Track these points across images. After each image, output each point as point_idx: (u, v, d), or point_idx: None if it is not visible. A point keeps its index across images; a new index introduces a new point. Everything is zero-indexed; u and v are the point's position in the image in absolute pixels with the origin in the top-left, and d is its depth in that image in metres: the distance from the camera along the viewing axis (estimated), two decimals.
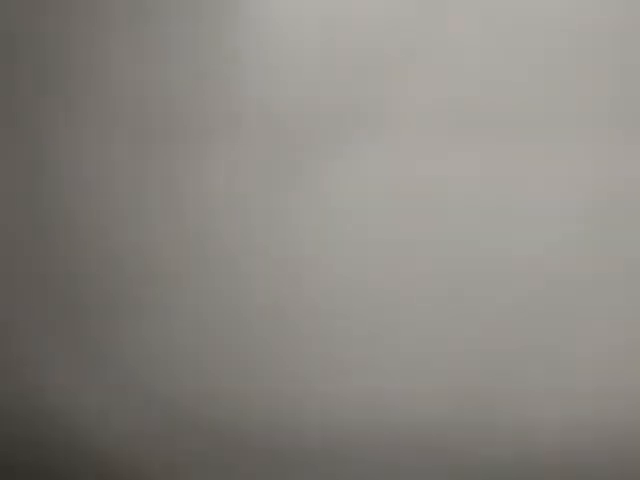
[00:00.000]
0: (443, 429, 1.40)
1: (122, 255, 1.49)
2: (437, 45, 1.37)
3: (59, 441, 1.54)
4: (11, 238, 1.53)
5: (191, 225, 1.46)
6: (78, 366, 1.53)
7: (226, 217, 1.44)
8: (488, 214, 1.38)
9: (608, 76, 1.33)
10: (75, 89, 1.50)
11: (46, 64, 1.52)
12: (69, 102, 1.51)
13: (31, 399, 1.55)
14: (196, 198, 1.44)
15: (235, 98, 1.42)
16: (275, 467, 1.47)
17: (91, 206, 1.50)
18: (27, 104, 1.52)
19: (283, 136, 1.42)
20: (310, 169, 1.41)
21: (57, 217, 1.53)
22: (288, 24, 1.40)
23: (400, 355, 1.41)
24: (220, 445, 1.48)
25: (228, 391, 1.47)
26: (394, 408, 1.41)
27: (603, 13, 1.33)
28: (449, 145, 1.38)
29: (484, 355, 1.38)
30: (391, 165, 1.39)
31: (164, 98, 1.45)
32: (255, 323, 1.46)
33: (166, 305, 1.49)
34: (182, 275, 1.47)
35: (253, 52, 1.42)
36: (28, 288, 1.55)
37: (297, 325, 1.44)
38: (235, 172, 1.43)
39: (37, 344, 1.54)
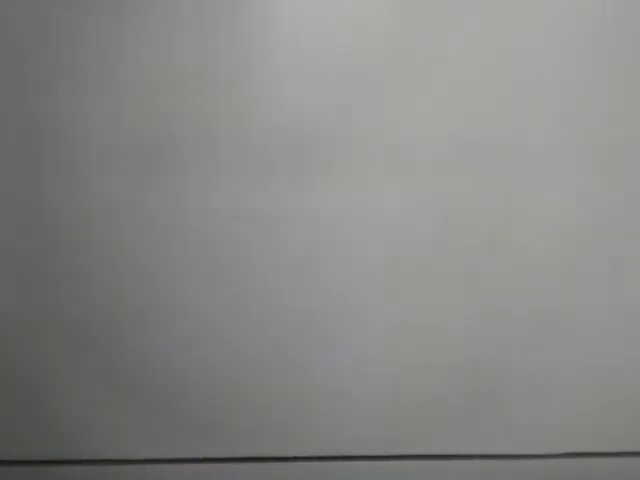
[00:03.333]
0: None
1: (123, 268, 1.58)
2: (420, 94, 1.47)
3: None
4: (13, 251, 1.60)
5: (191, 240, 1.56)
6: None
7: (200, 234, 1.55)
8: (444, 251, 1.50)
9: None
10: (76, 100, 1.55)
11: (47, 83, 1.56)
12: (69, 116, 1.55)
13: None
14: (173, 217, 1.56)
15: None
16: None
17: (94, 220, 1.57)
18: (28, 131, 1.58)
19: (258, 163, 1.52)
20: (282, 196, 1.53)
21: (58, 231, 1.60)
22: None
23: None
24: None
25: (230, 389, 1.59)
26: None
27: (588, 63, 1.46)
28: (414, 183, 1.49)
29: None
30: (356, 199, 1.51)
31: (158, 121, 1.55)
32: (253, 328, 1.56)
33: (170, 314, 1.58)
34: (181, 286, 1.57)
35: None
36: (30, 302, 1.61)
37: (295, 328, 1.54)
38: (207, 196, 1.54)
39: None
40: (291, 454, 1.58)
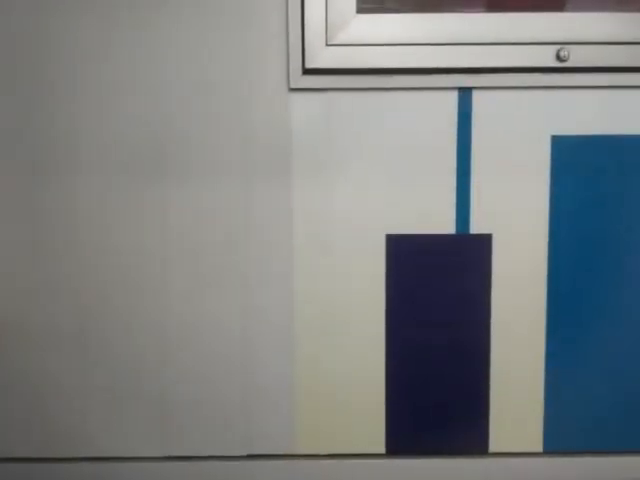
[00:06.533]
0: None
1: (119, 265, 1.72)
2: None
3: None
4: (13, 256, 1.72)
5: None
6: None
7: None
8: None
9: None
10: (76, 120, 1.67)
11: (51, 92, 1.67)
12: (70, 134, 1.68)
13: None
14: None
15: None
16: None
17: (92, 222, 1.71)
18: (30, 140, 1.68)
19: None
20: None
21: (57, 234, 1.72)
22: None
23: None
24: None
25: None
26: None
27: None
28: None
29: None
30: None
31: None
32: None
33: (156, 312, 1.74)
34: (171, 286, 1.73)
35: None
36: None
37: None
38: None
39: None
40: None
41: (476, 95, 1.66)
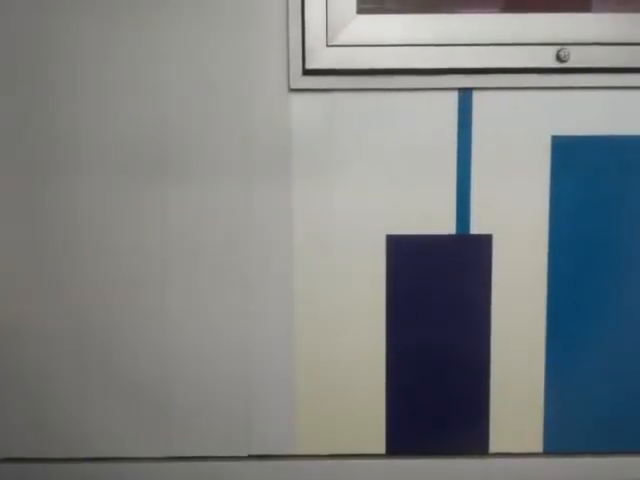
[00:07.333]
0: None
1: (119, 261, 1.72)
2: None
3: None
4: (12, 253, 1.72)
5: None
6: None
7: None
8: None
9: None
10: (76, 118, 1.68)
11: (51, 92, 1.67)
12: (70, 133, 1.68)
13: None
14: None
15: None
16: None
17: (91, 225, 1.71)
18: (30, 136, 1.68)
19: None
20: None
21: (57, 234, 1.72)
22: None
23: None
24: None
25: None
26: None
27: None
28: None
29: None
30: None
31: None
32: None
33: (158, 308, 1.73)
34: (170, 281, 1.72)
35: None
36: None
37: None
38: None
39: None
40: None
41: (476, 95, 1.66)
